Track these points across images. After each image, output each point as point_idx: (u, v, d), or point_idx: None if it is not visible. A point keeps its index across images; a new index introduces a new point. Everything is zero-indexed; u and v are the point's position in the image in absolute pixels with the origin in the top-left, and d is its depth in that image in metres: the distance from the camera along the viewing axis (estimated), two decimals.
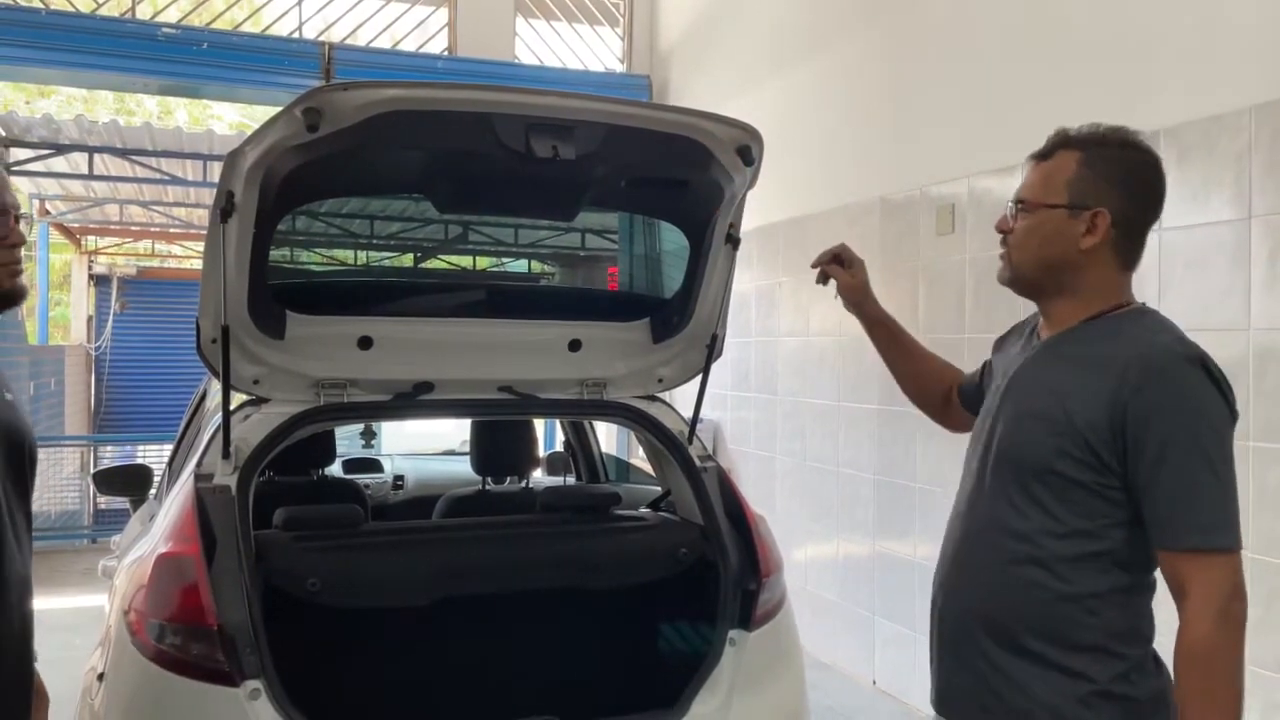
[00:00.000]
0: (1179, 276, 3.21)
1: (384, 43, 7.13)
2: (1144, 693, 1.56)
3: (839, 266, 2.09)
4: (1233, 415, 1.55)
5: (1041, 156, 1.67)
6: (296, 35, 6.83)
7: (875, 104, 4.94)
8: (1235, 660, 1.47)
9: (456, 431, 6.17)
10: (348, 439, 5.29)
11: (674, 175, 2.46)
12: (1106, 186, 1.59)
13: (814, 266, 2.12)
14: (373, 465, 4.79)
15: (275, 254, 2.41)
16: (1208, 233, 3.14)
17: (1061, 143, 1.65)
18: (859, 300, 2.10)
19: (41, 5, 6.31)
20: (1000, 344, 1.89)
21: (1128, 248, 1.64)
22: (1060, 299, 1.66)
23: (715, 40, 6.69)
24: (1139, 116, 3.35)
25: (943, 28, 4.46)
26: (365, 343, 2.52)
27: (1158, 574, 1.59)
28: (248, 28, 7.09)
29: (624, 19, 7.65)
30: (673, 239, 2.75)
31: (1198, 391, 1.51)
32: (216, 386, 2.43)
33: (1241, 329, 3.01)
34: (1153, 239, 3.29)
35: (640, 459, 4.17)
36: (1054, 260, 1.63)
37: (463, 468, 4.00)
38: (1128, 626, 1.56)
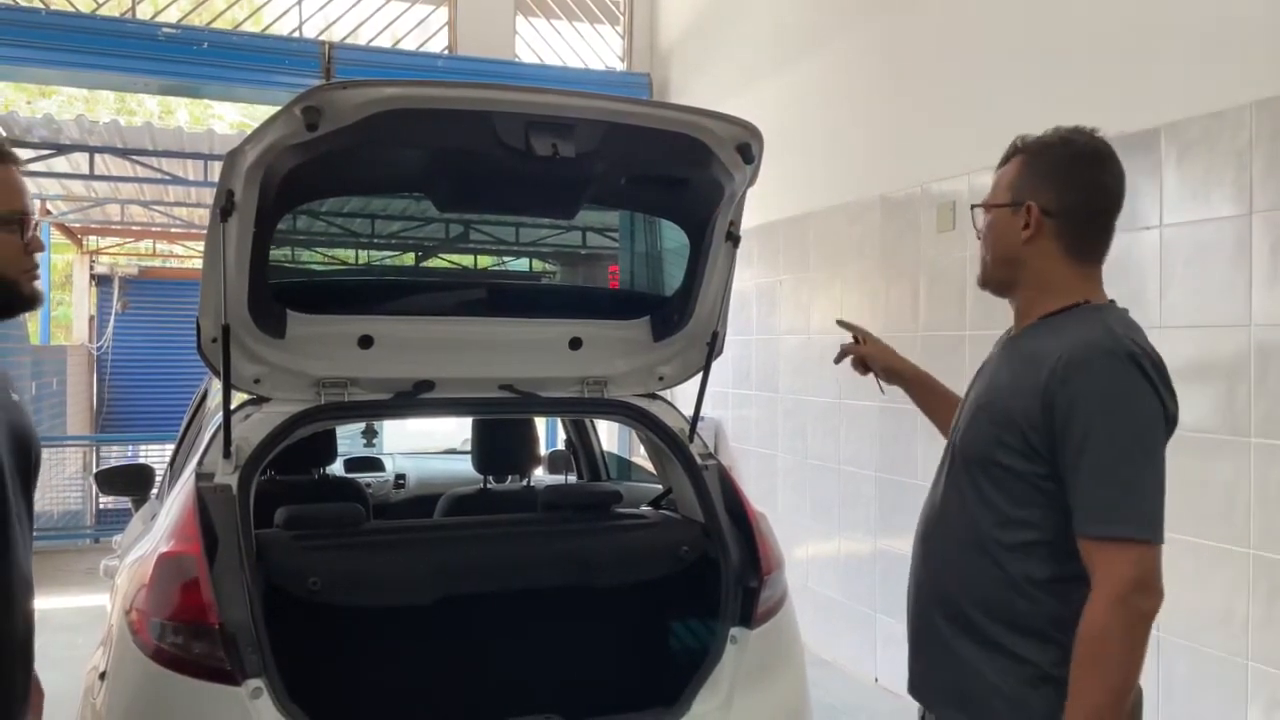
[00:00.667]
0: (1180, 273, 3.21)
1: (384, 42, 7.13)
2: None
3: (857, 344, 2.18)
4: (1167, 414, 1.58)
5: (1000, 165, 1.80)
6: (297, 34, 6.83)
7: (875, 102, 4.94)
8: (1128, 649, 1.50)
9: (458, 430, 6.18)
10: (349, 438, 5.30)
11: (674, 173, 2.46)
12: (1037, 181, 1.70)
13: (839, 361, 2.21)
14: (374, 464, 4.79)
15: (276, 253, 2.41)
16: (1209, 229, 3.13)
17: (1013, 150, 1.77)
18: (890, 364, 2.15)
19: (42, 5, 6.31)
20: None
21: (1072, 237, 1.70)
22: (1021, 293, 1.75)
23: (715, 38, 6.69)
24: (1140, 113, 3.37)
25: (943, 25, 4.46)
26: (366, 342, 2.52)
27: None
28: (248, 27, 7.09)
29: (624, 17, 7.65)
30: (673, 237, 2.76)
31: (1121, 386, 1.55)
32: (217, 386, 2.43)
33: (1243, 325, 3.01)
34: (1153, 235, 3.32)
35: (641, 457, 4.16)
36: (1006, 255, 1.74)
37: (464, 466, 4.00)
38: (1068, 614, 1.58)
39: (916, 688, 1.82)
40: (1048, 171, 1.70)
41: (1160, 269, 3.28)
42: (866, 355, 2.16)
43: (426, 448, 6.31)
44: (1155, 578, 1.51)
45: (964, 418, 1.76)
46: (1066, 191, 1.68)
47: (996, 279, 1.79)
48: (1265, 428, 2.94)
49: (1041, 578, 1.61)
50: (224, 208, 2.08)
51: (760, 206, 5.07)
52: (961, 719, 1.71)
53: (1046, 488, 1.60)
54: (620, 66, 7.64)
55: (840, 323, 2.22)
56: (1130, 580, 1.49)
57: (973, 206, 1.83)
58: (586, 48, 7.60)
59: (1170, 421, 1.60)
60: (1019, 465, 1.62)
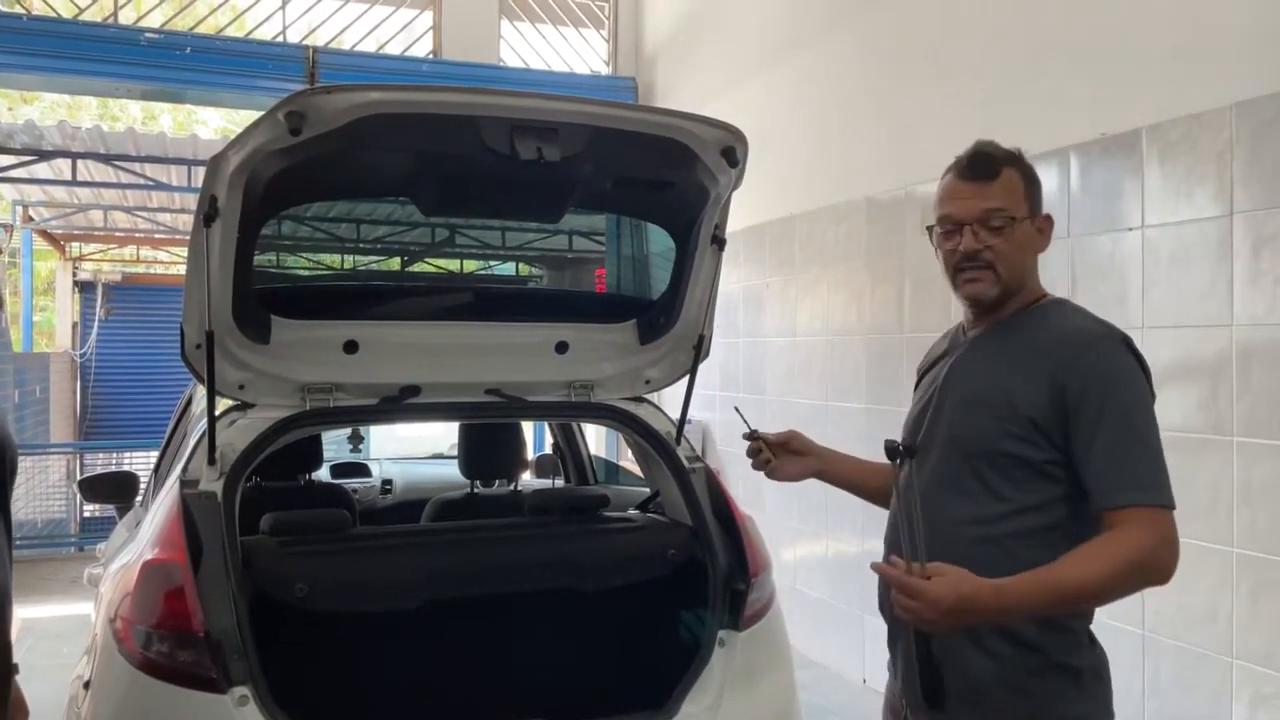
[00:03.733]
0: (1162, 273, 3.23)
1: (369, 46, 7.11)
2: (1086, 664, 1.68)
3: (788, 453, 2.12)
4: (1152, 391, 1.69)
5: (991, 176, 1.75)
6: (280, 39, 6.81)
7: (860, 104, 4.95)
8: (1126, 582, 1.56)
9: (446, 434, 6.16)
10: (336, 444, 5.28)
11: (659, 176, 2.46)
12: (1036, 192, 1.78)
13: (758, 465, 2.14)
14: (361, 470, 4.78)
15: (260, 258, 2.40)
16: (1191, 229, 3.16)
17: (999, 161, 1.76)
18: (798, 475, 2.13)
19: (23, 11, 6.27)
20: (922, 370, 1.99)
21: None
22: (1011, 300, 1.78)
23: (700, 41, 6.70)
24: (1122, 114, 3.39)
25: (927, 28, 4.48)
26: (351, 347, 2.51)
27: None
28: (231, 32, 7.06)
29: (609, 22, 7.65)
30: (659, 240, 2.76)
31: (1124, 365, 1.65)
32: (202, 392, 2.41)
33: (1225, 325, 3.03)
34: (1135, 236, 3.35)
35: (629, 460, 4.16)
36: (1028, 265, 1.78)
37: (451, 471, 4.00)
38: None
39: (913, 693, 1.75)
40: (1035, 183, 1.78)
41: (1143, 270, 3.30)
42: (775, 472, 2.11)
43: (414, 452, 6.30)
44: (1176, 540, 1.59)
45: (949, 414, 1.76)
46: (1041, 201, 1.79)
47: (1012, 290, 1.76)
48: (1248, 426, 2.96)
49: (1049, 563, 1.60)
50: (207, 213, 2.07)
51: (746, 209, 5.08)
52: (969, 717, 1.68)
53: (1055, 474, 1.65)
54: (605, 70, 7.65)
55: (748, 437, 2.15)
56: (1162, 537, 1.57)
57: (998, 216, 1.73)
58: (571, 52, 7.60)
59: (1153, 399, 1.68)
60: (1028, 453, 1.65)
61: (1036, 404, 1.64)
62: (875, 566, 1.59)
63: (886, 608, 1.81)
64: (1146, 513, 1.57)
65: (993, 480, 1.68)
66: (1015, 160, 1.77)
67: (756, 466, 2.13)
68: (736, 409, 2.40)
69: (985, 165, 1.75)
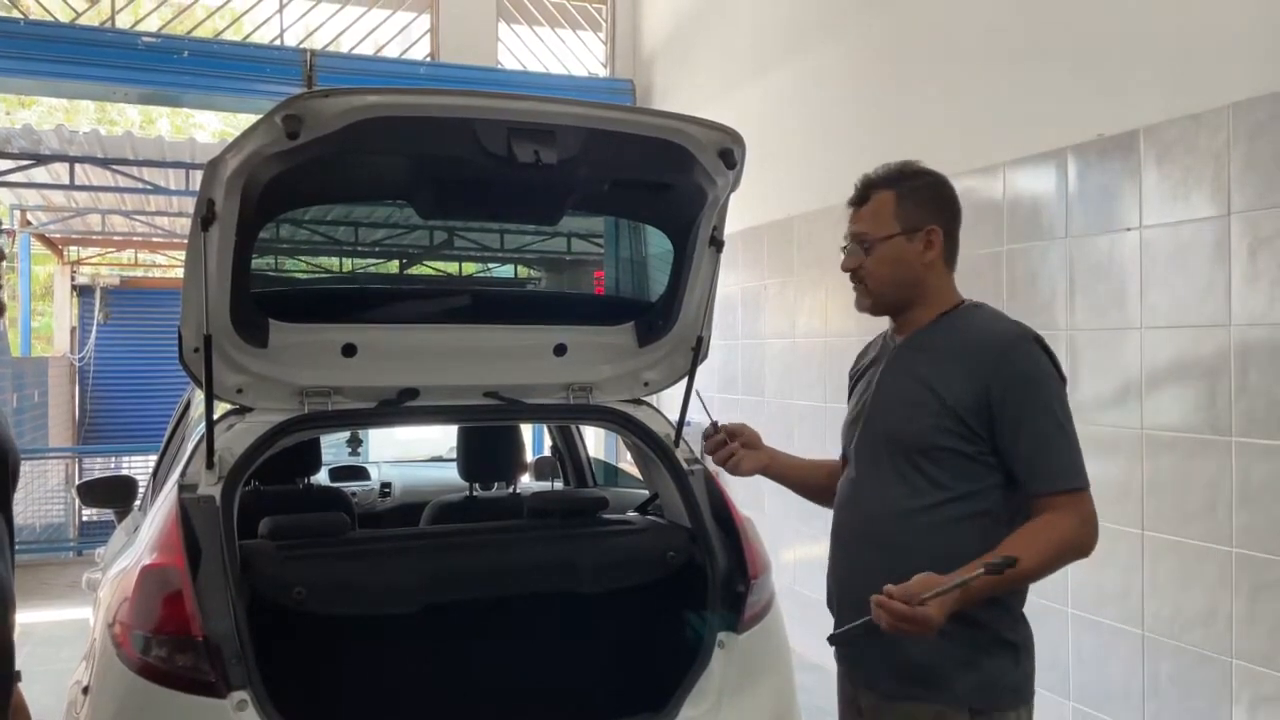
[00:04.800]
0: (1160, 274, 3.24)
1: (366, 49, 7.11)
2: (1022, 639, 1.86)
3: (734, 443, 2.22)
4: (1063, 377, 1.86)
5: (860, 202, 1.98)
6: (278, 43, 6.81)
7: (858, 105, 4.96)
8: (1055, 559, 1.74)
9: (445, 437, 6.16)
10: (334, 447, 5.28)
11: (656, 178, 2.46)
12: (927, 208, 1.93)
13: (715, 455, 2.24)
14: (359, 473, 4.78)
15: (258, 262, 2.39)
16: (1188, 230, 3.16)
17: (871, 186, 1.97)
18: (768, 463, 2.26)
19: (20, 15, 6.27)
20: (855, 375, 2.16)
21: (951, 252, 1.97)
22: (914, 308, 1.96)
23: (698, 43, 6.70)
24: (1119, 115, 3.40)
25: (925, 29, 4.49)
26: (349, 350, 2.51)
27: None
28: (229, 36, 7.06)
29: (606, 24, 7.66)
30: (657, 242, 2.76)
31: (1039, 363, 1.82)
32: (200, 396, 2.41)
33: (1222, 325, 3.03)
34: (1133, 237, 3.35)
35: (628, 463, 4.16)
36: (906, 278, 1.93)
37: (450, 474, 4.00)
38: None
39: (863, 673, 1.92)
40: (929, 199, 1.93)
41: (1140, 270, 3.30)
42: (735, 467, 2.22)
43: (412, 455, 6.29)
44: (1095, 517, 1.79)
45: (882, 414, 1.93)
46: (947, 214, 1.95)
47: (894, 302, 1.96)
48: (1246, 426, 2.96)
49: (990, 545, 1.73)
50: (205, 217, 2.07)
51: (745, 211, 5.09)
52: (918, 692, 1.81)
53: (987, 461, 1.82)
54: (603, 73, 7.66)
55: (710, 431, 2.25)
56: (1086, 517, 1.76)
57: (858, 241, 1.95)
58: (569, 54, 7.61)
59: (1064, 385, 1.87)
60: (960, 445, 1.81)
61: (962, 401, 1.80)
62: (877, 600, 1.66)
63: (834, 601, 2.00)
64: (1071, 497, 1.77)
65: (931, 471, 1.83)
66: (896, 181, 1.94)
67: (718, 461, 2.24)
68: (697, 394, 2.49)
69: (858, 191, 1.98)
